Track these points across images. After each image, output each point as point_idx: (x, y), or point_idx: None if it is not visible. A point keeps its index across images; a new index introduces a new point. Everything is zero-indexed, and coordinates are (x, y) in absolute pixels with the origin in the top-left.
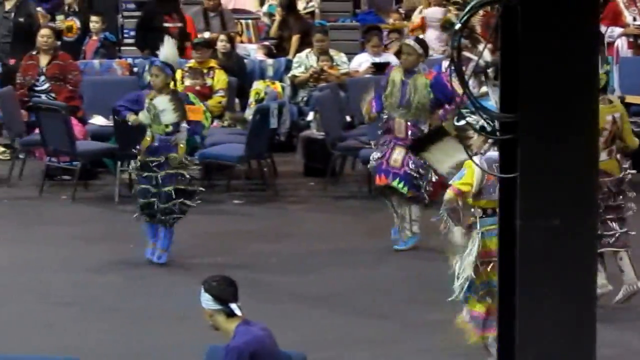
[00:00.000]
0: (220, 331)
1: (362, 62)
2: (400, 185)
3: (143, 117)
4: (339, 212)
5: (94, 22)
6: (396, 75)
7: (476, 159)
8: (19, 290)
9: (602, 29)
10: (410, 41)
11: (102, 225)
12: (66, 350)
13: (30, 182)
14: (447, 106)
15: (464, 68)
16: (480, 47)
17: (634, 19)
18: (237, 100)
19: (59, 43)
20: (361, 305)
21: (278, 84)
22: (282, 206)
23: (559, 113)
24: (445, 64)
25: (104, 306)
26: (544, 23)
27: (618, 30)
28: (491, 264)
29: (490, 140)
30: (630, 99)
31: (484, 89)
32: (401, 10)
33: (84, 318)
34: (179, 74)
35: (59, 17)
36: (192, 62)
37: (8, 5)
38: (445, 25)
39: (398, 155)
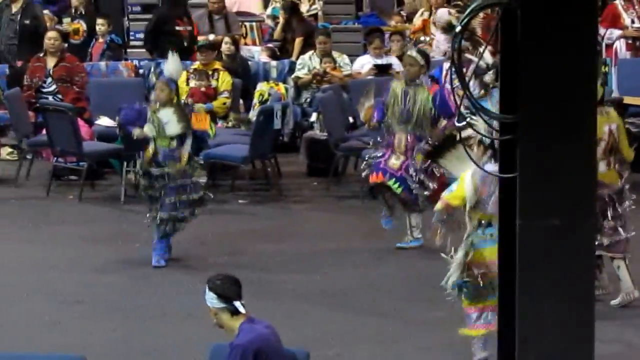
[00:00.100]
0: (225, 329)
1: (365, 63)
2: (396, 186)
3: (148, 129)
4: (342, 211)
5: (100, 24)
6: (397, 86)
7: (469, 173)
8: (26, 290)
9: (601, 31)
10: (413, 52)
11: (108, 225)
12: (72, 349)
13: (38, 182)
14: (448, 120)
15: (464, 70)
16: (481, 49)
17: (633, 22)
18: (241, 102)
19: (65, 45)
20: (362, 303)
21: (282, 86)
22: (285, 206)
23: (559, 114)
24: (446, 65)
25: (110, 305)
26: (543, 25)
27: (617, 32)
28: (490, 272)
29: (489, 153)
30: (628, 100)
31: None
32: (403, 13)
33: (91, 317)
34: (184, 75)
35: (66, 20)
36: (197, 64)
37: (14, 8)
38: (446, 28)
39: (397, 160)
